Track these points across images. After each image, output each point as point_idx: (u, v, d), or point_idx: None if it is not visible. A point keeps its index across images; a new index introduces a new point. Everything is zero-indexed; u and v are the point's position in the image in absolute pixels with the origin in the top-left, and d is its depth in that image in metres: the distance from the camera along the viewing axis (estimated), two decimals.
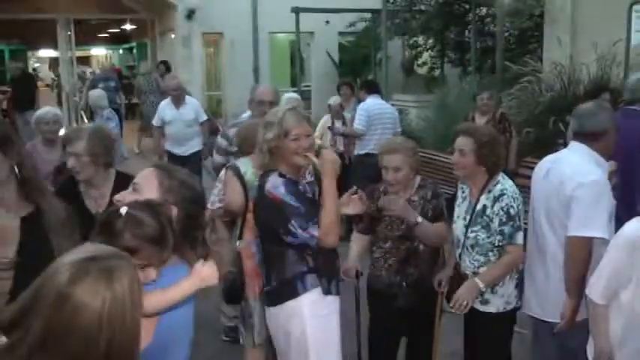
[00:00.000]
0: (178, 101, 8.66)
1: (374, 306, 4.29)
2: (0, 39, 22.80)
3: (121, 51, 27.68)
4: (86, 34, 21.99)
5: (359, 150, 8.50)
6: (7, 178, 2.66)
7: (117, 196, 2.37)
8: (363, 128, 8.30)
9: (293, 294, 3.44)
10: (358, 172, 7.86)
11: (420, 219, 3.90)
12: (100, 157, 3.79)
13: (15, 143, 2.73)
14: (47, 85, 26.67)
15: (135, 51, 24.43)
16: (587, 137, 3.66)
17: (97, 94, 9.77)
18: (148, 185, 2.34)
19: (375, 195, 4.14)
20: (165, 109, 8.75)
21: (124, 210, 2.09)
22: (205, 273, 2.14)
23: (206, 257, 2.26)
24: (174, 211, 2.25)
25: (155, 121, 8.92)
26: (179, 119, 8.63)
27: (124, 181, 3.67)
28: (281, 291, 3.49)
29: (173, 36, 15.98)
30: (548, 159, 3.94)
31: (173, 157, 8.48)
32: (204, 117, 8.92)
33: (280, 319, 3.52)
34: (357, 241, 4.30)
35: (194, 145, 8.72)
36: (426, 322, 4.11)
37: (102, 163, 3.82)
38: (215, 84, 18.50)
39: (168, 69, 14.06)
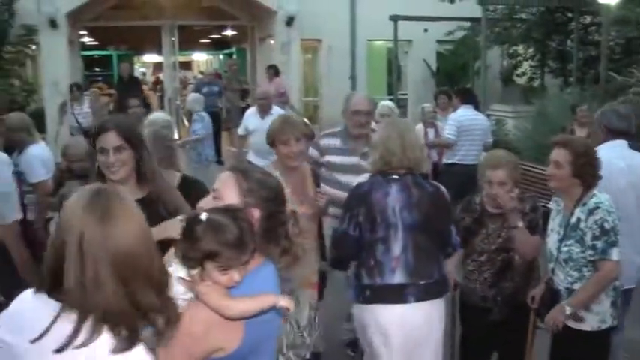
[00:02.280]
0: (264, 110, 8.38)
1: (467, 319, 4.28)
2: (109, 45, 23.83)
3: (221, 56, 28.38)
4: (188, 40, 22.65)
5: (446, 159, 8.49)
6: (131, 170, 3.14)
7: (200, 203, 2.44)
8: (453, 138, 8.25)
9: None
10: (444, 181, 7.80)
11: (520, 223, 3.88)
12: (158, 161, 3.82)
13: (142, 140, 3.21)
14: (150, 89, 27.63)
15: (235, 56, 24.99)
16: None
17: (192, 98, 10.09)
18: (227, 190, 2.37)
19: (472, 207, 4.12)
20: (250, 117, 8.53)
21: (204, 216, 2.16)
22: (284, 302, 2.18)
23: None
24: (256, 213, 2.30)
25: (240, 130, 8.78)
26: (262, 129, 7.89)
27: (187, 186, 3.82)
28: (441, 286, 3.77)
29: (272, 42, 16.25)
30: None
31: None
32: None
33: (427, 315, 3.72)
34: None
35: None
36: (519, 337, 4.05)
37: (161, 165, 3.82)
38: (312, 90, 18.71)
39: (276, 73, 14.27)
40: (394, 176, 3.73)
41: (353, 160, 4.94)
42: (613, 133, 4.43)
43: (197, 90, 13.15)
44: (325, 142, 5.17)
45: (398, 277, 3.66)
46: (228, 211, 2.21)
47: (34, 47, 14.35)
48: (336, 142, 5.10)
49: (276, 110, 8.44)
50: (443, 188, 3.88)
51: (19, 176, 5.33)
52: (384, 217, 3.67)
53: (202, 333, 2.12)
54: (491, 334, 4.10)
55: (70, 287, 1.74)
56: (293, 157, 4.20)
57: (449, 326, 4.13)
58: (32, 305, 1.84)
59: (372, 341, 3.74)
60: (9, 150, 5.45)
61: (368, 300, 3.73)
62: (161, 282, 1.89)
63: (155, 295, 1.83)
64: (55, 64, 14.04)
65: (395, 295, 3.67)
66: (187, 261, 2.13)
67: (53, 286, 1.80)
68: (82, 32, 18.77)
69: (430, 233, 3.73)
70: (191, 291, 2.14)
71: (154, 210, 2.98)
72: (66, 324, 1.74)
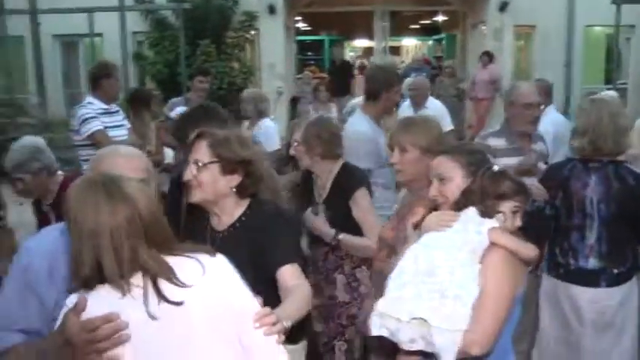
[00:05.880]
0: (417, 103, 7.62)
1: None
2: (321, 30, 24.52)
3: (430, 42, 28.21)
4: (399, 26, 22.76)
5: None
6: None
7: (432, 191, 2.69)
8: None
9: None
10: None
11: None
12: (315, 148, 3.84)
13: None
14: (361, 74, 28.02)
15: (444, 42, 24.73)
16: None
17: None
18: (452, 172, 2.65)
19: None
20: (404, 110, 7.72)
21: (496, 167, 2.55)
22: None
23: None
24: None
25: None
26: None
27: (347, 174, 3.84)
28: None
29: (484, 28, 15.91)
30: None
31: None
32: (450, 125, 7.43)
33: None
34: None
35: None
36: None
37: (318, 153, 3.85)
38: (524, 78, 18.07)
39: (490, 60, 13.97)
40: (595, 164, 3.63)
41: (516, 161, 4.29)
42: None
43: (405, 76, 13.19)
44: (492, 142, 4.46)
45: (591, 264, 3.71)
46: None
47: (253, 32, 15.09)
48: (501, 142, 4.47)
49: (432, 103, 7.84)
50: None
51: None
52: (581, 207, 3.68)
53: (513, 270, 2.42)
54: None
55: (112, 271, 1.88)
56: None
57: None
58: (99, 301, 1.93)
59: (564, 314, 3.81)
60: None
61: (561, 277, 3.81)
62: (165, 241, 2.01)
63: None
64: (272, 48, 14.76)
65: (588, 278, 3.72)
66: (487, 209, 2.46)
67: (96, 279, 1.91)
68: (297, 18, 19.49)
69: (627, 224, 3.67)
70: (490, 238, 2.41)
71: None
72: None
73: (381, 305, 2.40)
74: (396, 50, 28.66)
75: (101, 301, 1.89)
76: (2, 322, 2.22)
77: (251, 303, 2.06)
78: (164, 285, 1.92)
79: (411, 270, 2.40)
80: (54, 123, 8.81)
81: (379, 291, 2.55)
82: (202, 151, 2.75)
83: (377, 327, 2.40)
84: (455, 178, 2.64)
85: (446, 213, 2.60)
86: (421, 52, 27.04)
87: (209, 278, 1.98)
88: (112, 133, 5.61)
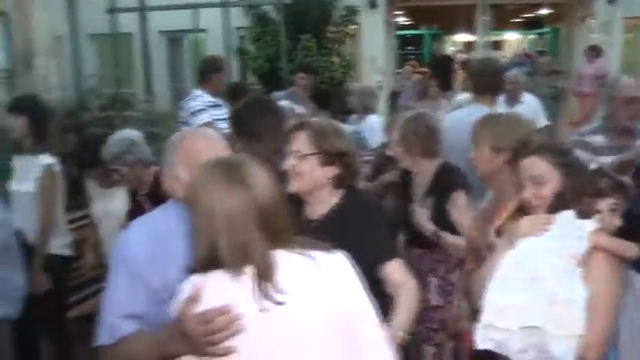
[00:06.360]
0: (511, 98, 7.08)
1: None
2: (421, 24, 24.31)
3: (531, 36, 27.50)
4: (500, 19, 22.29)
5: None
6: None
7: (526, 194, 2.60)
8: None
9: None
10: None
11: None
12: (413, 146, 3.77)
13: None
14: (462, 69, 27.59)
15: (547, 36, 24.07)
16: None
17: None
18: (546, 173, 2.56)
19: None
20: (499, 106, 7.33)
21: (593, 165, 2.64)
22: None
23: None
24: None
25: None
26: None
27: (446, 174, 3.76)
28: None
29: (593, 21, 15.38)
30: None
31: None
32: (544, 121, 7.23)
33: None
34: None
35: None
36: None
37: (416, 152, 3.78)
38: (633, 73, 17.32)
39: (598, 54, 13.49)
40: None
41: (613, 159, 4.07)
42: None
43: (507, 70, 12.88)
44: (590, 139, 4.32)
45: None
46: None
47: (353, 27, 15.10)
48: (600, 140, 4.29)
49: (528, 98, 7.46)
50: None
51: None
52: None
53: (616, 270, 2.40)
54: None
55: (226, 256, 1.89)
56: None
57: None
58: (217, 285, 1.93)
59: None
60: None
61: None
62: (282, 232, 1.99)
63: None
64: (373, 42, 14.76)
65: None
66: (584, 208, 2.42)
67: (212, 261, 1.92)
68: (397, 12, 19.37)
69: None
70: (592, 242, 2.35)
71: None
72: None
73: (485, 317, 2.35)
74: (497, 44, 28.12)
75: (215, 287, 1.90)
76: (113, 308, 2.27)
77: (365, 306, 2.05)
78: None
79: (514, 277, 2.35)
80: (160, 116, 9.06)
81: (465, 293, 2.51)
82: (302, 142, 2.79)
83: (482, 339, 2.35)
84: (549, 179, 2.56)
85: (539, 217, 2.52)
86: (522, 46, 26.41)
87: (322, 278, 1.96)
88: (220, 125, 5.71)
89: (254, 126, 3.55)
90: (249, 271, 1.90)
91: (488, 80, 4.77)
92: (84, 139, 5.51)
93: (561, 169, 2.55)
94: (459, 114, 4.83)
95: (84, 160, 4.66)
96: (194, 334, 1.83)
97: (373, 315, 2.08)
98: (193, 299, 1.86)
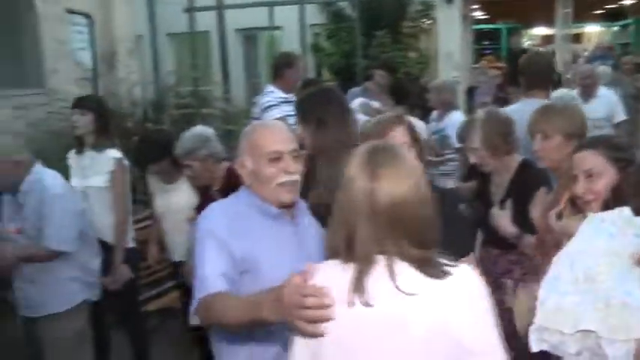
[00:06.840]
0: (587, 93, 7.12)
1: None
2: (498, 18, 23.89)
3: (614, 28, 26.65)
4: (580, 11, 21.68)
5: None
6: None
7: (579, 190, 2.55)
8: None
9: None
10: None
11: None
12: (500, 147, 3.61)
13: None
14: None
15: (630, 28, 23.27)
16: None
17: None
18: (601, 168, 2.51)
19: None
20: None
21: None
22: None
23: None
24: None
25: None
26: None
27: (527, 173, 3.61)
28: None
29: None
30: None
31: None
32: (622, 116, 7.18)
33: None
34: None
35: None
36: None
37: (504, 151, 3.63)
38: None
39: None
40: None
41: None
42: None
43: (589, 63, 12.55)
44: None
45: None
46: None
47: (429, 22, 14.96)
48: None
49: (604, 92, 7.28)
50: None
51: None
52: None
53: None
54: None
55: (361, 251, 1.86)
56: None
57: None
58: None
59: None
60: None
61: None
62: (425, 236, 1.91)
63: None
64: (449, 37, 14.54)
65: None
66: None
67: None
68: (473, 6, 19.08)
69: None
70: None
71: None
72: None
73: (539, 318, 2.28)
74: (576, 38, 27.40)
75: (327, 272, 1.90)
76: (206, 268, 2.37)
77: (488, 346, 1.92)
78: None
79: (568, 278, 2.26)
80: (236, 113, 9.17)
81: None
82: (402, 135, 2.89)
83: (537, 341, 2.30)
84: (604, 174, 2.49)
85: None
86: (604, 38, 25.63)
87: (439, 292, 1.86)
88: (290, 121, 5.74)
89: (320, 113, 3.47)
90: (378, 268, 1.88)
91: (536, 75, 4.73)
92: (147, 135, 5.60)
93: (617, 163, 2.49)
94: (513, 108, 4.73)
95: (147, 156, 4.75)
96: (288, 302, 1.79)
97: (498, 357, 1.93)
98: (305, 274, 1.83)
